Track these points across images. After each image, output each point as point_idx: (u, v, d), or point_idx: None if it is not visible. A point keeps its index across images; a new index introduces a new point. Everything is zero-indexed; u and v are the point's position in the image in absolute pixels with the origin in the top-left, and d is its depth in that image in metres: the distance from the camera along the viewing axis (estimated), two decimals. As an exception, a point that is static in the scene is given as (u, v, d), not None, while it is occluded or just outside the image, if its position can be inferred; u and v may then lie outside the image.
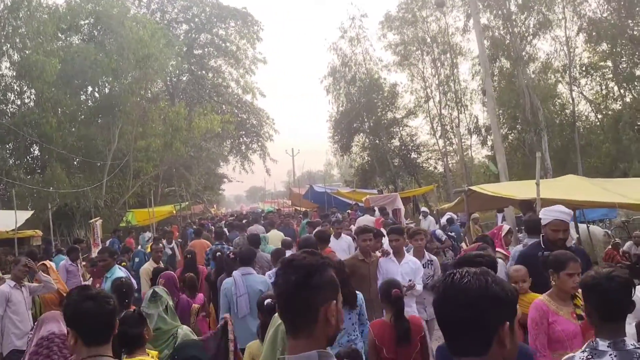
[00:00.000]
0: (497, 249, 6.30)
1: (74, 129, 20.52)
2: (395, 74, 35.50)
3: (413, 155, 31.62)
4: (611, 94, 25.86)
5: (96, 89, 23.29)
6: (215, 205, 43.74)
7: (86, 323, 2.08)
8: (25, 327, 5.35)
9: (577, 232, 9.42)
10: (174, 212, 23.22)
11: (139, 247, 12.96)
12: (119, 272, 6.04)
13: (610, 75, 25.13)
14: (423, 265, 5.53)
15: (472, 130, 29.92)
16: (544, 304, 3.19)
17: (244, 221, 14.51)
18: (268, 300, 3.61)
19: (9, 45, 18.50)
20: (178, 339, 3.50)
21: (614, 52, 24.00)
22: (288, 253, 5.98)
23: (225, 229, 11.67)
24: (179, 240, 13.24)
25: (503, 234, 7.07)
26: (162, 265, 7.46)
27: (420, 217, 14.33)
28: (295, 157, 48.89)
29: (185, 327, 3.75)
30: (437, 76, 30.73)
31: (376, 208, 13.28)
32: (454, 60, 29.95)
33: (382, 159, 30.29)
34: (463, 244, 10.30)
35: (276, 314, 2.93)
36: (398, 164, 31.23)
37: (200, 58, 37.41)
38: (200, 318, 5.43)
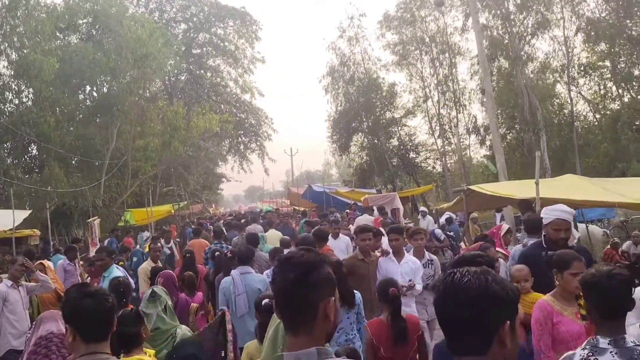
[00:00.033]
0: (497, 249, 6.30)
1: (72, 128, 20.43)
2: (393, 73, 35.49)
3: (412, 154, 31.64)
4: (609, 94, 25.90)
5: (94, 88, 23.20)
6: (213, 205, 43.71)
7: (85, 320, 2.09)
8: (23, 327, 5.34)
9: (578, 231, 9.42)
10: (173, 211, 23.20)
11: (137, 246, 12.94)
12: (117, 271, 6.02)
13: (609, 75, 25.18)
14: (423, 265, 5.51)
15: (470, 129, 29.97)
16: (548, 304, 3.15)
17: (242, 221, 14.52)
18: (266, 301, 3.60)
19: (6, 44, 18.44)
20: (177, 339, 3.49)
21: (612, 52, 24.05)
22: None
23: (224, 229, 11.66)
24: (178, 239, 13.22)
25: (502, 234, 7.09)
26: (160, 264, 7.45)
27: (419, 216, 14.36)
28: (293, 157, 49.05)
29: (184, 327, 3.74)
30: (435, 76, 30.77)
31: (375, 208, 13.29)
32: (453, 60, 29.99)
33: (381, 158, 30.27)
34: (462, 244, 10.31)
35: (276, 313, 2.90)
36: (397, 164, 31.24)
37: (198, 57, 37.32)
38: (199, 317, 5.42)
